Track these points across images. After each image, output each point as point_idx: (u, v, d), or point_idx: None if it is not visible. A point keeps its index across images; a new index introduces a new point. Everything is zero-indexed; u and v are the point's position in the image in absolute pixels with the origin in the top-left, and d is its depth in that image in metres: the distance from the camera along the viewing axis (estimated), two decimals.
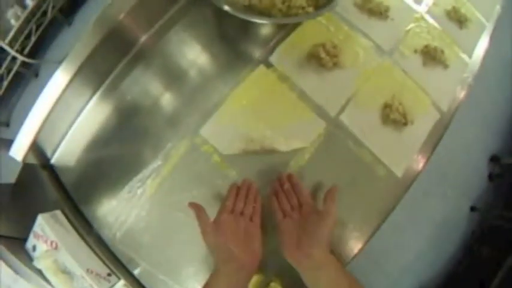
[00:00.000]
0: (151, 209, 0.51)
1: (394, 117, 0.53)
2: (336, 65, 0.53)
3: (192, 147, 0.51)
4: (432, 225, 1.23)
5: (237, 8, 0.55)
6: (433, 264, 1.23)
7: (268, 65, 0.54)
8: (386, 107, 0.54)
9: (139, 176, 0.53)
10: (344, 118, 0.52)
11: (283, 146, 0.50)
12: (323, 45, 0.53)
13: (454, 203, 1.29)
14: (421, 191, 1.13)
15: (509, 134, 1.39)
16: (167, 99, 0.56)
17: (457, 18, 0.72)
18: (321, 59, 0.52)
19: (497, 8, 0.83)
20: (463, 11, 0.74)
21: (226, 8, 0.50)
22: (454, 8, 0.73)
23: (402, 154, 0.54)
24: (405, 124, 0.54)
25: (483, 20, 0.78)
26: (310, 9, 0.53)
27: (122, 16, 0.54)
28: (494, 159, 1.38)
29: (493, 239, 1.26)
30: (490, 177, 1.38)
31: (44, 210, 0.53)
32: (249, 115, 0.50)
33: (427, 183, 1.11)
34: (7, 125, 1.18)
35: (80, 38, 0.54)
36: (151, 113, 0.56)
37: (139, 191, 0.52)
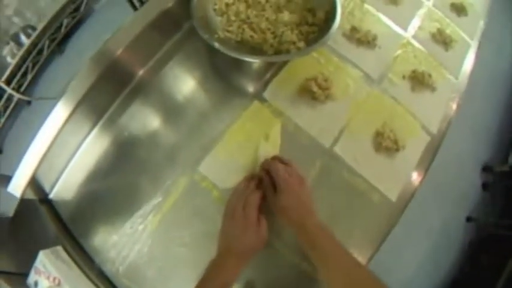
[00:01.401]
0: (153, 244, 0.52)
1: (386, 144, 0.55)
2: (328, 97, 0.55)
3: (192, 184, 0.52)
4: (430, 238, 1.25)
5: (229, 44, 0.57)
6: (433, 277, 1.24)
7: (263, 101, 0.56)
8: (378, 135, 0.56)
9: (140, 212, 0.53)
10: (338, 150, 0.54)
11: None
12: (315, 79, 0.55)
13: (450, 215, 1.31)
14: (417, 206, 1.15)
15: (499, 142, 1.43)
16: (164, 136, 0.58)
17: (442, 40, 0.75)
18: (314, 92, 0.54)
19: (481, 23, 0.86)
20: (448, 31, 0.77)
21: (217, 45, 0.51)
22: (439, 30, 0.76)
23: (396, 179, 0.56)
24: (397, 150, 0.56)
25: (467, 39, 0.81)
26: (301, 44, 0.55)
27: (119, 52, 0.55)
28: (486, 168, 1.41)
29: (491, 247, 1.28)
30: (484, 186, 1.40)
31: (44, 244, 0.54)
32: (246, 150, 0.52)
33: (422, 197, 1.13)
34: (0, 151, 1.17)
35: (77, 74, 0.55)
36: (149, 149, 0.57)
37: (140, 227, 0.53)
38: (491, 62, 1.50)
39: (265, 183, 0.47)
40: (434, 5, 0.81)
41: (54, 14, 0.58)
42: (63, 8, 0.59)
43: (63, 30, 0.62)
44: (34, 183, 0.57)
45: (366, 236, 0.53)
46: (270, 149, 0.52)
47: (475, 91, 1.34)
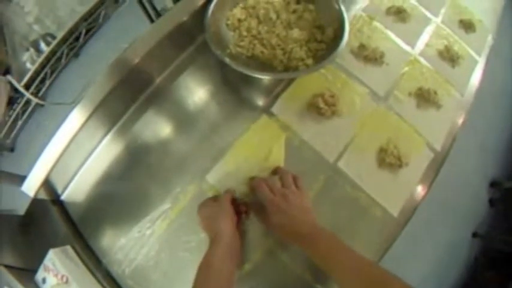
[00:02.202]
0: (160, 248, 0.54)
1: (389, 160, 0.56)
2: (334, 113, 0.57)
3: (199, 192, 0.55)
4: (435, 253, 1.24)
5: (240, 59, 0.59)
6: None
7: (271, 115, 0.58)
8: (382, 151, 0.57)
9: (149, 217, 0.55)
10: (342, 165, 0.55)
11: None
12: (322, 96, 0.56)
13: (456, 230, 1.30)
14: (423, 220, 1.15)
15: (508, 158, 1.41)
16: (175, 145, 0.60)
17: (449, 57, 0.75)
18: (320, 108, 0.56)
19: (489, 39, 0.86)
20: (455, 48, 0.77)
21: (227, 61, 0.54)
22: (446, 47, 0.76)
23: (398, 195, 0.57)
24: (400, 166, 0.57)
25: (475, 55, 0.81)
26: (310, 61, 0.57)
27: (136, 62, 0.57)
28: (494, 184, 1.39)
29: (496, 263, 1.26)
30: (491, 202, 1.39)
31: (53, 243, 0.56)
32: (253, 162, 0.54)
33: (428, 212, 1.13)
34: (12, 150, 1.21)
35: (94, 81, 0.58)
36: (160, 157, 0.59)
37: (148, 232, 0.55)
38: (500, 77, 1.49)
39: (257, 205, 0.50)
40: (442, 22, 0.82)
41: (73, 24, 0.61)
42: (81, 18, 0.62)
43: (81, 39, 0.65)
44: (47, 184, 0.59)
45: (366, 250, 0.53)
46: (275, 162, 0.54)
47: (483, 106, 1.34)
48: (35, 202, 0.60)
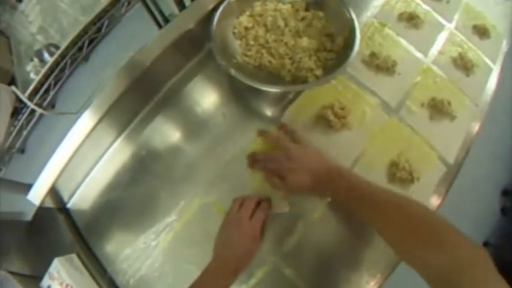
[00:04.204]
0: (164, 260, 0.54)
1: (400, 175, 0.54)
2: (344, 125, 0.55)
3: (205, 206, 0.54)
4: None
5: (247, 69, 0.58)
6: None
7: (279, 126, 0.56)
8: (393, 165, 0.55)
9: (154, 228, 0.55)
10: None
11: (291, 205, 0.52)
12: (331, 107, 0.55)
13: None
14: None
15: None
16: (180, 157, 0.59)
17: (463, 65, 0.73)
18: (330, 121, 0.54)
19: (504, 44, 0.83)
20: (469, 55, 0.75)
21: (233, 73, 0.52)
22: (460, 54, 0.74)
23: None
24: (412, 181, 0.55)
25: (489, 63, 0.79)
26: (319, 72, 0.56)
27: (142, 70, 0.56)
28: (506, 192, 1.36)
29: (509, 274, 1.22)
30: (503, 211, 1.35)
31: (59, 250, 0.56)
32: (259, 175, 0.52)
33: None
34: (22, 151, 1.22)
35: (100, 89, 0.57)
36: (166, 169, 0.58)
37: (153, 243, 0.55)
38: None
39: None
40: (456, 28, 0.79)
41: (76, 35, 0.61)
42: (84, 29, 0.62)
43: (84, 50, 0.65)
44: (53, 192, 0.59)
45: (375, 267, 0.52)
46: None
47: (495, 114, 1.30)
48: (42, 210, 0.59)
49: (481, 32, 0.81)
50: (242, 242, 0.46)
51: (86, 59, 0.85)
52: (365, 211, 0.44)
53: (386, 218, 0.41)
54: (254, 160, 0.53)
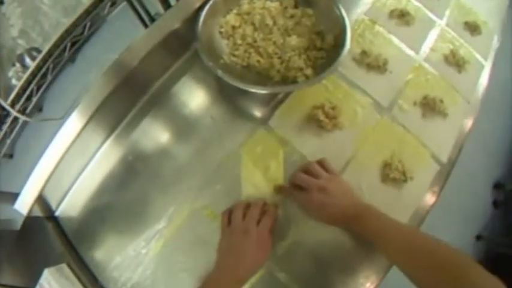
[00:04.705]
0: (156, 268, 0.52)
1: (393, 175, 0.53)
2: (335, 126, 0.54)
3: (195, 212, 0.52)
4: None
5: (235, 69, 0.56)
6: None
7: (268, 129, 0.55)
8: (386, 165, 0.54)
9: (144, 236, 0.53)
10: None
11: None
12: (322, 108, 0.53)
13: (460, 233, 1.27)
14: (425, 224, 1.13)
15: (511, 159, 1.38)
16: (168, 162, 0.57)
17: (455, 62, 0.72)
18: (320, 121, 0.53)
19: (495, 40, 0.83)
20: (461, 52, 0.74)
21: (220, 73, 0.50)
22: (452, 51, 0.73)
23: (402, 212, 0.54)
24: (405, 181, 0.54)
25: (481, 59, 0.78)
26: (309, 71, 0.54)
27: (127, 71, 0.54)
28: (498, 186, 1.37)
29: (501, 267, 1.24)
30: (495, 204, 1.37)
31: (49, 260, 0.54)
32: (250, 180, 0.51)
33: (431, 216, 1.11)
34: (10, 156, 1.19)
35: (85, 93, 0.55)
36: (154, 172, 0.56)
37: (143, 251, 0.53)
38: (504, 78, 1.45)
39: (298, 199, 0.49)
40: (447, 24, 0.78)
41: (58, 37, 0.58)
42: (67, 31, 0.59)
43: (67, 53, 0.62)
44: (41, 200, 0.57)
45: (371, 267, 0.51)
46: (273, 179, 0.51)
47: (487, 108, 1.30)
48: (30, 219, 0.58)
49: (472, 28, 0.80)
50: (251, 249, 0.45)
51: (72, 60, 0.82)
52: (392, 253, 0.44)
53: (415, 264, 0.41)
54: (280, 189, 0.52)
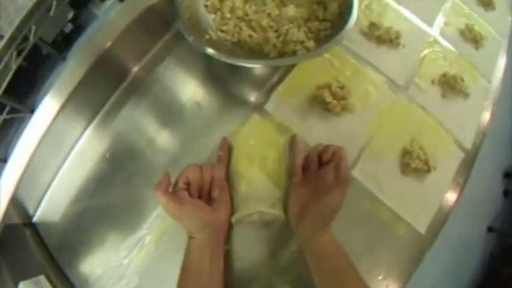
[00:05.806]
0: (141, 281, 0.45)
1: (415, 165, 0.45)
2: (344, 108, 0.45)
3: None
4: (449, 251, 1.14)
5: (224, 46, 0.48)
6: None
7: (264, 114, 0.46)
8: (406, 153, 0.46)
9: (124, 245, 0.46)
10: (357, 173, 0.44)
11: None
12: (328, 87, 0.45)
13: (470, 225, 1.20)
14: None
15: None
16: (151, 155, 0.50)
17: (472, 37, 0.66)
18: (327, 103, 0.44)
19: (509, 19, 0.77)
20: (476, 28, 0.67)
21: (208, 51, 0.42)
22: (467, 25, 0.67)
23: (425, 207, 0.47)
24: (428, 171, 0.46)
25: (497, 36, 0.72)
26: (311, 43, 0.46)
27: (107, 46, 0.47)
28: (508, 175, 1.31)
29: None
30: (506, 193, 1.31)
31: (28, 271, 0.48)
32: (243, 176, 0.42)
33: None
34: (5, 160, 1.11)
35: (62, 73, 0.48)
36: (135, 171, 0.49)
37: (125, 261, 0.46)
38: None
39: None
40: None
41: (21, 20, 0.49)
42: (30, 13, 0.50)
43: (31, 38, 0.53)
44: (15, 205, 0.51)
45: (390, 274, 0.44)
46: (271, 174, 0.43)
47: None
48: (6, 226, 0.49)
49: (486, 3, 0.74)
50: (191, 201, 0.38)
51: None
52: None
53: None
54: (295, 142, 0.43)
